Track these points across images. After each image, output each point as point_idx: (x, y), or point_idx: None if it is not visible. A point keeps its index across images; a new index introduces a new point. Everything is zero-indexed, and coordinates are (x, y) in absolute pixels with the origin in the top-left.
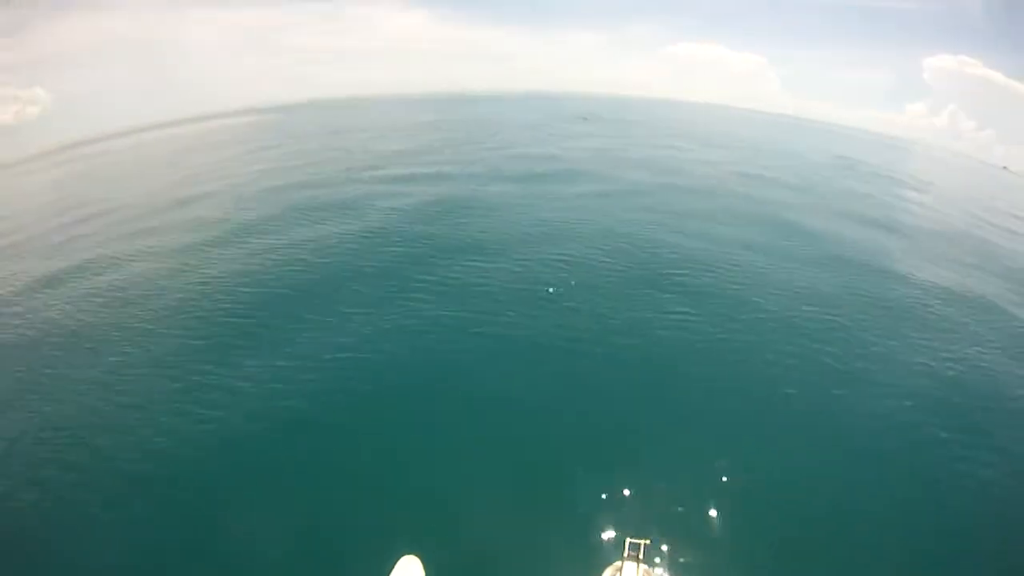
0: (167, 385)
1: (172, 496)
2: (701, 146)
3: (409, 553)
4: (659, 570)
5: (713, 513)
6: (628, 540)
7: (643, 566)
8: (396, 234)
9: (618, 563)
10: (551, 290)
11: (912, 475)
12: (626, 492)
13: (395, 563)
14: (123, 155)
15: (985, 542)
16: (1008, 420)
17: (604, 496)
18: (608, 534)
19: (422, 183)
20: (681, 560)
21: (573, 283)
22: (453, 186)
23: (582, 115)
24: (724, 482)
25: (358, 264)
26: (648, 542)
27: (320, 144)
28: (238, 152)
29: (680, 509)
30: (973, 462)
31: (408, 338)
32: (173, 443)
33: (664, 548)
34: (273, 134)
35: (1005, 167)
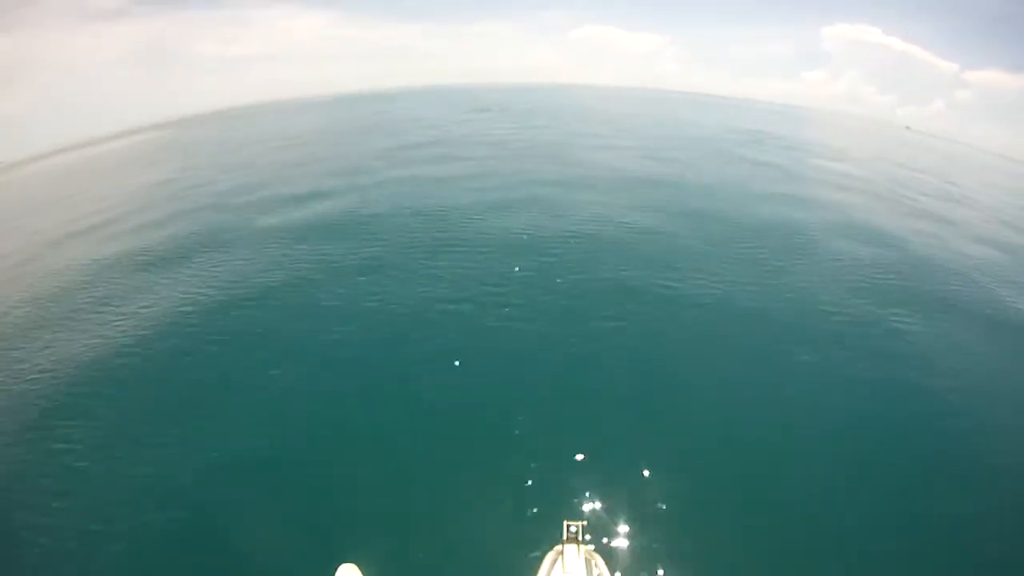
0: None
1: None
2: (604, 131)
3: (348, 562)
4: (600, 549)
5: (650, 489)
6: (566, 523)
7: (584, 547)
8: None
9: (558, 547)
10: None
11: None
12: (557, 475)
13: (334, 572)
14: None
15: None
16: None
17: (535, 483)
18: (545, 519)
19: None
20: (621, 537)
21: (517, 269)
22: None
23: (483, 107)
24: (659, 458)
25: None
26: (586, 523)
27: (201, 161)
28: (118, 178)
29: (615, 487)
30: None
31: (335, 342)
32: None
33: (603, 527)
34: (163, 153)
35: (908, 127)
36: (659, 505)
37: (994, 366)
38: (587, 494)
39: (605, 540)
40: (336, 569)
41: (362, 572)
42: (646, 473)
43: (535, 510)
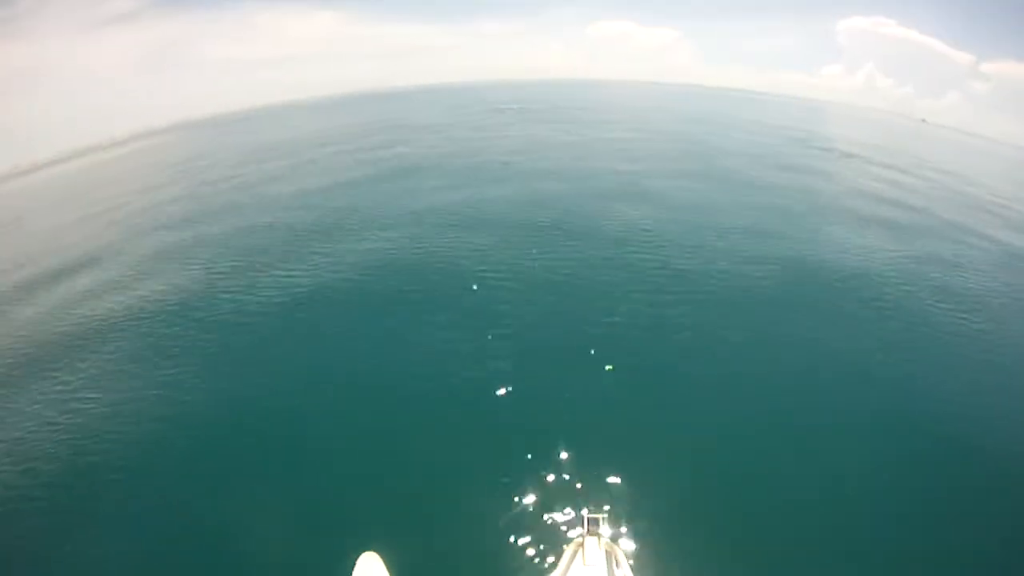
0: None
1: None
2: (635, 129)
3: (369, 550)
4: (621, 542)
5: (669, 480)
6: (586, 516)
7: (604, 539)
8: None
9: (579, 539)
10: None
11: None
12: (577, 468)
13: (355, 561)
14: None
15: None
16: None
17: (556, 476)
18: (565, 513)
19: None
20: (641, 530)
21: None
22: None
23: (499, 107)
24: (685, 453)
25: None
26: (606, 515)
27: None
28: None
29: (635, 479)
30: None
31: (364, 333)
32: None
33: (623, 519)
34: (157, 161)
35: (923, 120)
36: (682, 500)
37: None
38: (610, 487)
39: (626, 534)
40: (357, 558)
41: (383, 561)
42: (670, 468)
43: (558, 502)
